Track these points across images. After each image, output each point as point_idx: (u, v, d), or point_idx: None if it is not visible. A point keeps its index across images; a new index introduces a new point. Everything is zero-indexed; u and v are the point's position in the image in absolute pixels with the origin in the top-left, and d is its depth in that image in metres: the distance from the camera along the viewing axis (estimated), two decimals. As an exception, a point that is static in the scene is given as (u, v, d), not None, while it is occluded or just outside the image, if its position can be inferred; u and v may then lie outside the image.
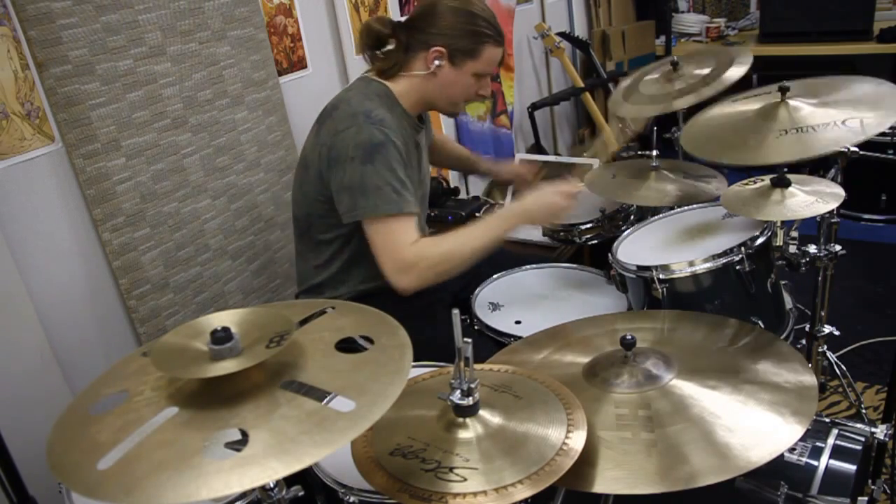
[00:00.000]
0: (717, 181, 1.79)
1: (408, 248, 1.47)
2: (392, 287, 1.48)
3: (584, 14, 3.93)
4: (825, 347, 1.73)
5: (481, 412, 0.96)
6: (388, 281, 1.49)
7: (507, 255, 2.06)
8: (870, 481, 1.49)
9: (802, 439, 1.29)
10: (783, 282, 1.59)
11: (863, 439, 1.31)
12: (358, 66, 2.37)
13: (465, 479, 0.87)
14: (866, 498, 1.25)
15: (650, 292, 1.48)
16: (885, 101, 1.49)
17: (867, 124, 1.42)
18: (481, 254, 1.52)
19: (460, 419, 0.95)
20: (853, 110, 1.48)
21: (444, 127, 2.91)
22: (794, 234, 1.60)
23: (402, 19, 1.70)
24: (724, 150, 1.54)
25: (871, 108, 1.48)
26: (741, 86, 1.84)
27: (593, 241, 1.92)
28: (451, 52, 1.60)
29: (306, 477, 1.17)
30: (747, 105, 1.64)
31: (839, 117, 1.47)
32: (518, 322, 1.68)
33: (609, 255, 1.60)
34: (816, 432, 1.32)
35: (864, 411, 2.13)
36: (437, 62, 1.61)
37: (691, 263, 1.45)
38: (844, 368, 2.13)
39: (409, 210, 1.50)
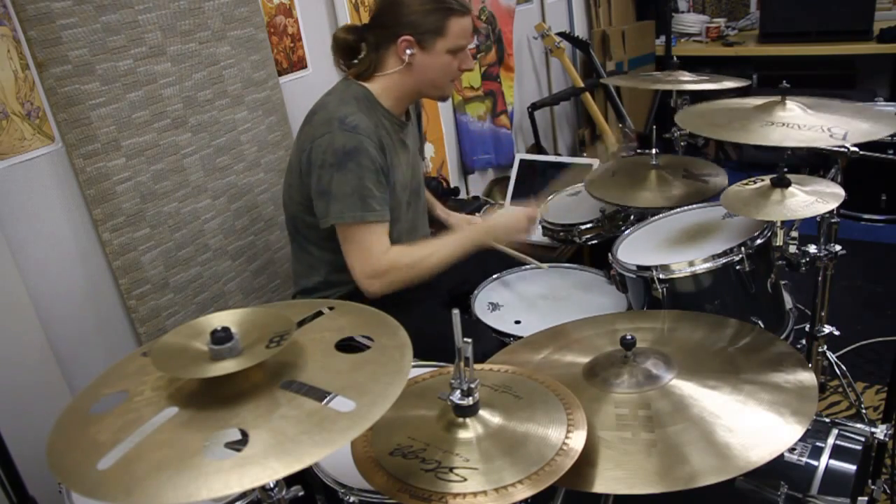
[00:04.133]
0: (718, 178, 1.79)
1: (381, 257, 1.55)
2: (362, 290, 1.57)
3: (584, 14, 3.93)
4: (825, 347, 1.73)
5: (481, 412, 0.96)
6: (357, 284, 1.57)
7: (507, 255, 2.06)
8: (870, 481, 1.49)
9: (802, 439, 1.29)
10: (783, 282, 1.59)
11: (863, 439, 1.31)
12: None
13: (465, 479, 0.87)
14: (866, 498, 1.25)
15: (650, 292, 1.48)
16: (879, 120, 1.50)
17: (851, 134, 1.43)
18: (446, 265, 1.62)
19: (460, 419, 0.95)
20: (845, 125, 1.49)
21: (445, 127, 2.91)
22: (794, 234, 1.60)
23: (367, 21, 1.70)
24: (711, 128, 1.57)
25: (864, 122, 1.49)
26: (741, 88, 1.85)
27: (593, 241, 1.92)
28: (418, 37, 1.60)
29: (306, 477, 1.17)
30: (749, 101, 1.65)
31: (828, 125, 1.48)
32: (518, 322, 1.68)
33: (609, 255, 1.61)
34: (816, 432, 1.32)
35: (864, 411, 2.13)
36: (408, 52, 1.60)
37: (691, 263, 1.45)
38: (844, 368, 2.13)
39: (374, 219, 1.55)
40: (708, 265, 1.44)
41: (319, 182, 1.55)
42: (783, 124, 1.50)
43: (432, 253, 1.61)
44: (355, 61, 1.68)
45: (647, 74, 2.12)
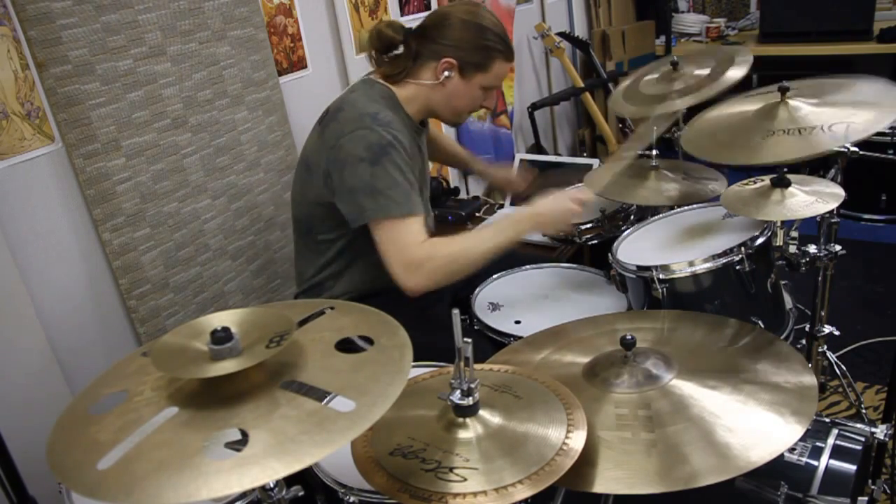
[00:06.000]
0: (718, 182, 1.79)
1: (417, 248, 1.46)
2: (400, 288, 1.47)
3: (584, 14, 3.94)
4: (825, 347, 1.73)
5: (481, 412, 0.96)
6: (397, 281, 1.47)
7: (507, 255, 2.06)
8: (870, 481, 1.49)
9: (802, 439, 1.29)
10: (783, 282, 1.59)
11: (863, 439, 1.31)
12: (358, 66, 2.37)
13: (465, 479, 0.87)
14: (866, 498, 1.25)
15: (650, 292, 1.48)
16: (883, 102, 1.49)
17: (852, 130, 1.42)
18: (491, 256, 1.52)
19: (460, 419, 0.95)
20: (851, 110, 1.48)
21: (445, 127, 2.91)
22: (794, 234, 1.60)
23: (413, 27, 1.69)
24: (718, 149, 1.55)
25: (869, 109, 1.48)
26: (741, 86, 1.85)
27: (593, 241, 1.92)
28: (461, 64, 1.61)
29: (306, 477, 1.18)
30: (747, 105, 1.64)
31: (831, 121, 1.47)
32: (518, 322, 1.68)
33: (609, 255, 1.60)
34: (816, 432, 1.32)
35: (864, 411, 2.13)
36: (446, 73, 1.61)
37: (691, 263, 1.45)
38: (844, 368, 2.13)
39: (418, 211, 1.50)
40: (708, 265, 1.44)
41: (353, 178, 1.49)
42: (784, 131, 1.49)
43: (473, 246, 1.52)
44: (385, 59, 1.66)
45: (650, 77, 2.07)
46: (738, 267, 1.42)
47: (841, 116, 1.47)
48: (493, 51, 1.61)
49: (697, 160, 1.75)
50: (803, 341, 1.71)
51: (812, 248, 1.54)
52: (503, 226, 1.56)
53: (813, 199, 1.39)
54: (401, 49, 1.64)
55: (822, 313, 1.66)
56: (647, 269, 1.48)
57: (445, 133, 2.22)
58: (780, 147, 1.46)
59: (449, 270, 1.48)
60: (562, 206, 1.60)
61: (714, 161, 1.57)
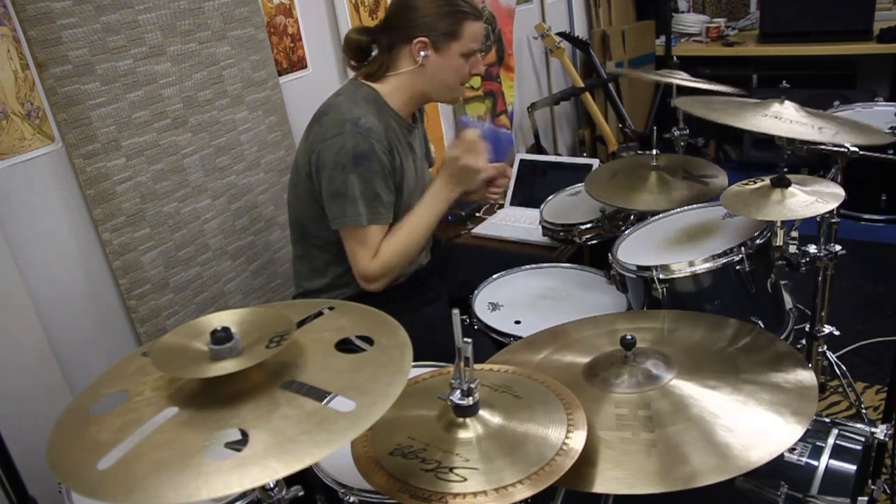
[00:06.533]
0: (718, 178, 1.79)
1: (372, 262, 1.59)
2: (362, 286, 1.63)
3: (584, 14, 3.93)
4: (825, 347, 1.73)
5: (481, 412, 0.96)
6: (358, 282, 1.62)
7: (507, 255, 2.06)
8: (870, 481, 1.49)
9: (802, 439, 1.29)
10: (783, 282, 1.59)
11: (863, 439, 1.31)
12: (358, 66, 2.37)
13: (465, 479, 0.87)
14: (866, 498, 1.25)
15: (650, 292, 1.48)
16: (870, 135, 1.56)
17: (838, 136, 1.49)
18: (429, 234, 1.69)
19: (460, 419, 0.95)
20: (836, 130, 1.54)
21: (445, 127, 2.91)
22: (794, 234, 1.60)
23: (379, 22, 1.71)
24: (706, 110, 1.63)
25: (857, 133, 1.55)
26: (741, 85, 1.86)
27: (593, 241, 1.92)
28: (433, 39, 1.61)
29: (306, 477, 1.18)
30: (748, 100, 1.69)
31: (819, 125, 1.53)
32: (518, 322, 1.68)
33: (609, 255, 1.60)
34: (816, 432, 1.32)
35: (864, 411, 2.13)
36: (422, 53, 1.62)
37: (691, 263, 1.45)
38: (844, 368, 2.13)
39: (383, 220, 1.58)
40: (708, 265, 1.44)
41: (331, 184, 1.55)
42: (776, 117, 1.54)
43: (413, 231, 1.63)
44: (365, 63, 1.68)
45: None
46: (738, 267, 1.42)
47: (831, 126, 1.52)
48: (458, 14, 1.61)
49: (696, 155, 1.77)
50: (803, 341, 1.71)
51: (812, 248, 1.54)
52: (428, 202, 1.66)
53: (813, 199, 1.39)
54: (375, 49, 1.66)
55: (822, 313, 1.66)
56: (647, 269, 1.48)
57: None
58: (768, 123, 1.53)
59: (402, 263, 1.63)
60: (458, 165, 1.64)
61: (705, 117, 1.61)
